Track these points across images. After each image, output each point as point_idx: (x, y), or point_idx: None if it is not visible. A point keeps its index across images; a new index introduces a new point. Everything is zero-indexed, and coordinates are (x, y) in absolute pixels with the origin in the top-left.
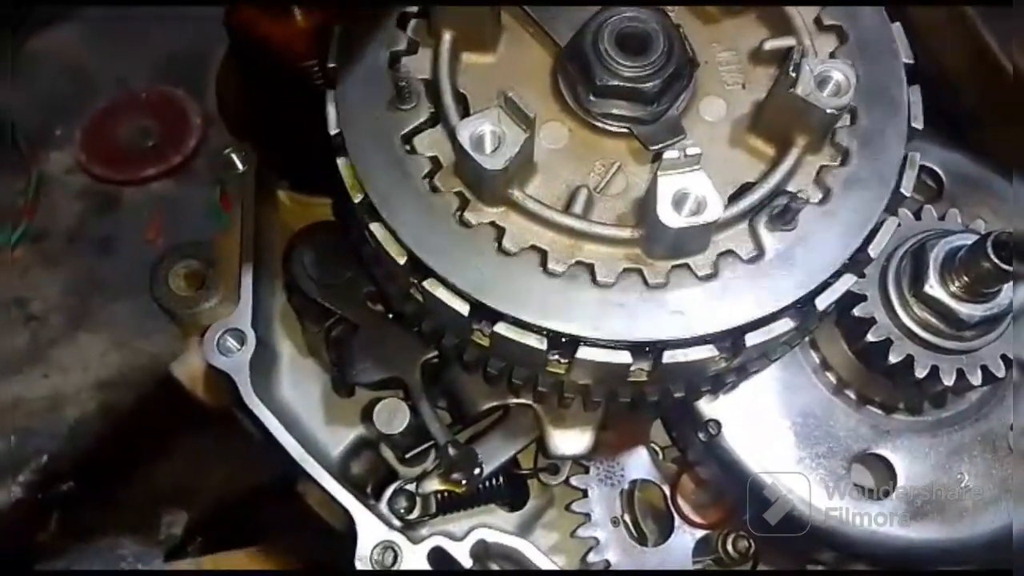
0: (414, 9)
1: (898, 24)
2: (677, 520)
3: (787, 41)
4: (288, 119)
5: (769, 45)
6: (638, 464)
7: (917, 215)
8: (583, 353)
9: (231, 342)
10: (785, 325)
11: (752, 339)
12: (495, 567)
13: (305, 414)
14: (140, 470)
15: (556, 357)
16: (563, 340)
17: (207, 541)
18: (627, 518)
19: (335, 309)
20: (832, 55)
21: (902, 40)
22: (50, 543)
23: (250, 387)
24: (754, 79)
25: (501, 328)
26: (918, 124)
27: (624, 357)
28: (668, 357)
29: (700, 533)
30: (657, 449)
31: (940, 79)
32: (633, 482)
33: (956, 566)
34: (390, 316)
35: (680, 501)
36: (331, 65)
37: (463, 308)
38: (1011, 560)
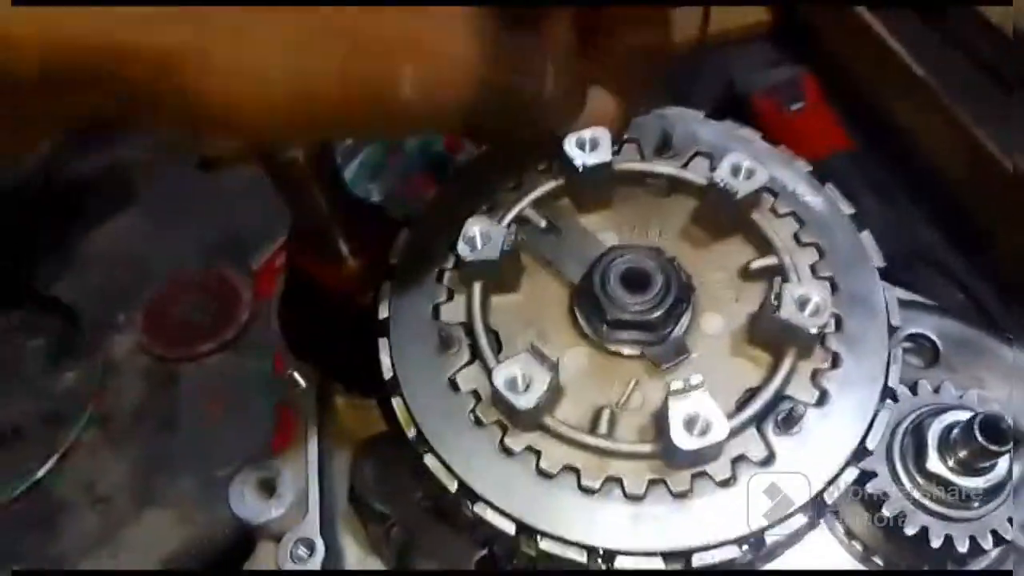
0: (449, 264)
1: (867, 232)
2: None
3: (770, 260)
4: (342, 344)
5: (755, 265)
6: None
7: (913, 390)
8: (620, 562)
9: (302, 550)
10: (799, 521)
11: (771, 536)
12: None
13: None
14: None
15: (598, 563)
16: (601, 552)
17: None
18: None
19: (392, 514)
20: (812, 268)
21: (873, 247)
22: None
23: None
24: (745, 294)
25: (545, 545)
26: (895, 321)
27: (657, 563)
28: (697, 560)
29: None
30: None
31: (939, 184)
32: None
33: None
34: (442, 518)
35: None
36: (383, 316)
37: (510, 528)
38: None
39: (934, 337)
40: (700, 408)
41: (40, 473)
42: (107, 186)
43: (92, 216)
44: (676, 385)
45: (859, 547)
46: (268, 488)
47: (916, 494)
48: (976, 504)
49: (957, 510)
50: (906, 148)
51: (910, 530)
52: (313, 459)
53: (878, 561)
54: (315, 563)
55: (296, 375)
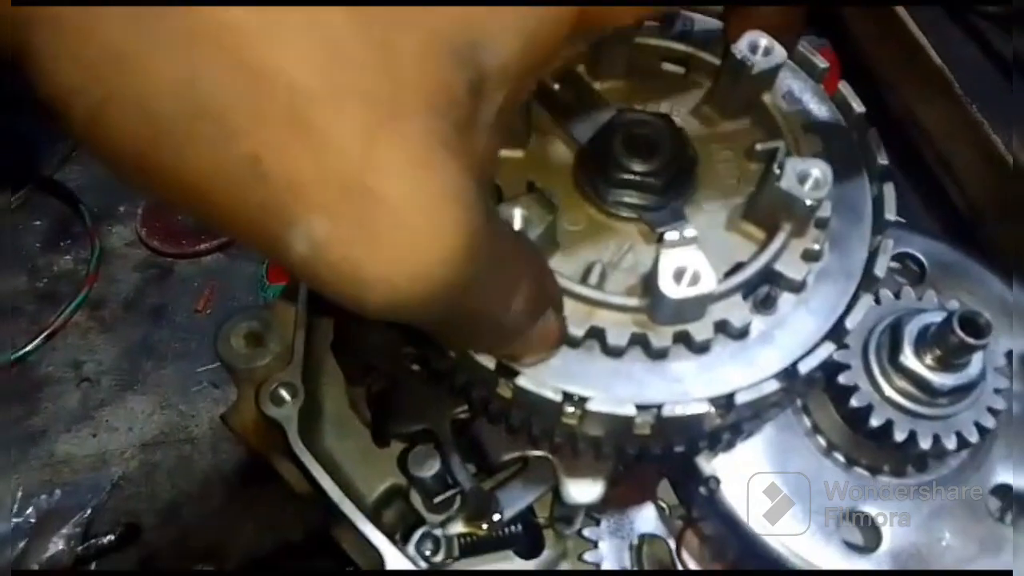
0: None
1: (874, 129)
2: (681, 573)
3: (776, 143)
4: None
5: (760, 147)
6: (646, 519)
7: (897, 295)
8: (592, 405)
9: (284, 393)
10: (771, 385)
11: (741, 397)
12: None
13: (344, 463)
14: (174, 527)
15: (571, 409)
16: (576, 398)
17: None
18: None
19: (376, 365)
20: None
21: (878, 143)
22: None
23: (297, 435)
24: (748, 175)
25: (521, 381)
26: (891, 215)
27: (630, 410)
28: (667, 411)
29: None
30: (664, 507)
31: (950, 179)
32: (641, 536)
33: None
34: (425, 376)
35: (684, 555)
36: None
37: (490, 363)
38: None
39: (921, 257)
40: (691, 260)
41: (29, 347)
42: None
43: None
44: (671, 236)
45: (823, 442)
46: (255, 338)
47: (886, 389)
48: (944, 402)
49: (924, 407)
50: (911, 137)
51: (875, 421)
52: (302, 312)
53: (839, 457)
54: (295, 407)
55: None
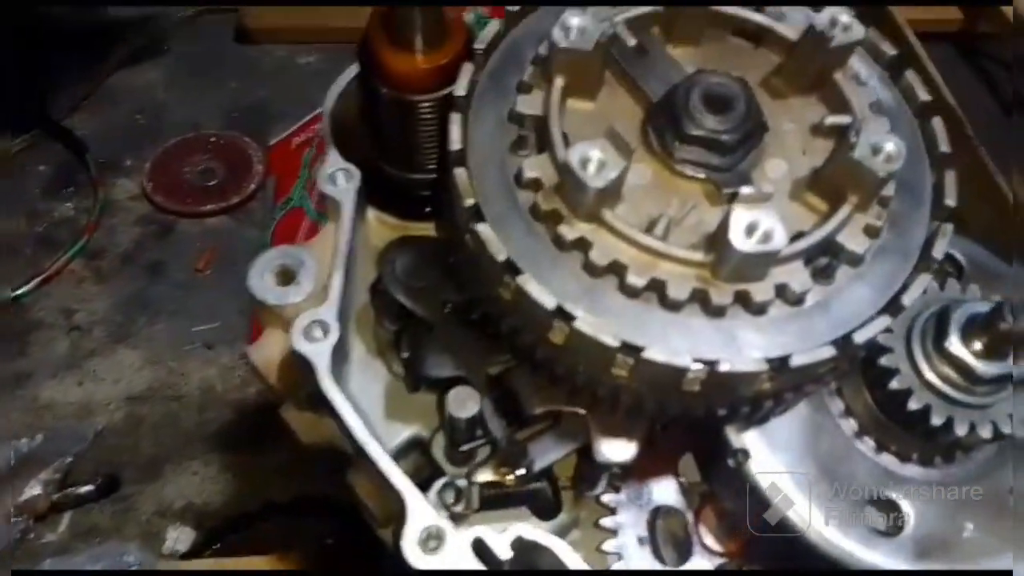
0: (536, 56)
1: (938, 118)
2: (697, 546)
3: (844, 119)
4: (393, 144)
5: (829, 120)
6: (666, 491)
7: (942, 286)
8: (649, 354)
9: (317, 331)
10: (827, 351)
11: (797, 360)
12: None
13: (367, 408)
14: (153, 483)
15: (623, 358)
16: (632, 346)
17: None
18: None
19: (415, 309)
20: None
21: (942, 132)
22: (59, 542)
23: (329, 372)
24: (813, 148)
25: (579, 324)
26: (951, 201)
27: (686, 361)
28: (724, 366)
29: (718, 560)
30: (684, 482)
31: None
32: (658, 508)
33: None
34: (463, 323)
35: (702, 529)
36: (459, 94)
37: (550, 303)
38: None
39: (960, 257)
40: (763, 217)
41: (22, 289)
42: (139, 36)
43: (119, 60)
44: (746, 191)
45: (855, 425)
46: (287, 276)
47: (927, 373)
48: (983, 391)
49: (964, 394)
50: None
51: (914, 404)
52: (343, 248)
53: (869, 441)
54: (328, 345)
55: (339, 173)
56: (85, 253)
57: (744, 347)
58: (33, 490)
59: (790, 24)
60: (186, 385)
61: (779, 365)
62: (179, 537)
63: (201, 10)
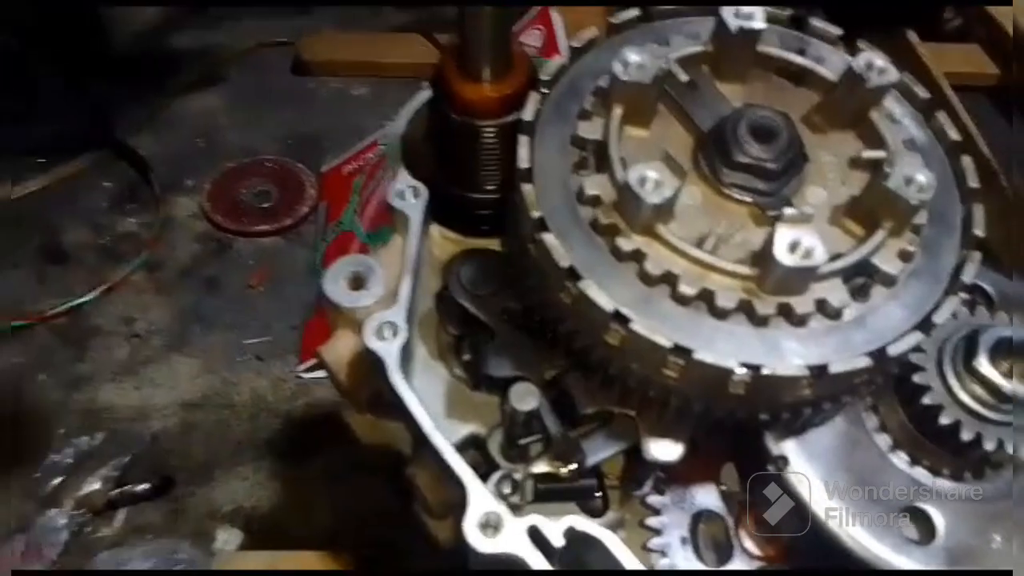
0: (596, 88)
1: (968, 157)
2: (737, 550)
3: (879, 153)
4: (458, 165)
5: (865, 155)
6: (708, 497)
7: (971, 311)
8: (699, 355)
9: (387, 331)
10: (863, 361)
11: (835, 367)
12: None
13: (428, 406)
14: (204, 486)
15: (674, 359)
16: (683, 348)
17: None
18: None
19: (478, 315)
20: None
21: (972, 170)
22: (113, 536)
23: (398, 367)
24: (850, 179)
25: (635, 326)
26: (979, 231)
27: (733, 363)
28: (767, 370)
29: (757, 564)
30: (726, 489)
31: None
32: (700, 512)
33: None
34: (523, 330)
35: (742, 533)
36: (527, 119)
37: (608, 305)
38: None
39: (990, 289)
40: (805, 235)
41: (86, 297)
42: (197, 65)
43: (180, 88)
44: (790, 212)
45: (889, 439)
46: (358, 281)
47: (958, 391)
48: (1009, 409)
49: (992, 411)
50: None
51: (945, 420)
52: (412, 256)
53: (903, 455)
54: (397, 344)
55: (407, 189)
56: (146, 266)
57: (786, 354)
58: (92, 486)
59: (829, 67)
60: (238, 395)
61: (818, 372)
62: (228, 539)
63: (261, 43)
